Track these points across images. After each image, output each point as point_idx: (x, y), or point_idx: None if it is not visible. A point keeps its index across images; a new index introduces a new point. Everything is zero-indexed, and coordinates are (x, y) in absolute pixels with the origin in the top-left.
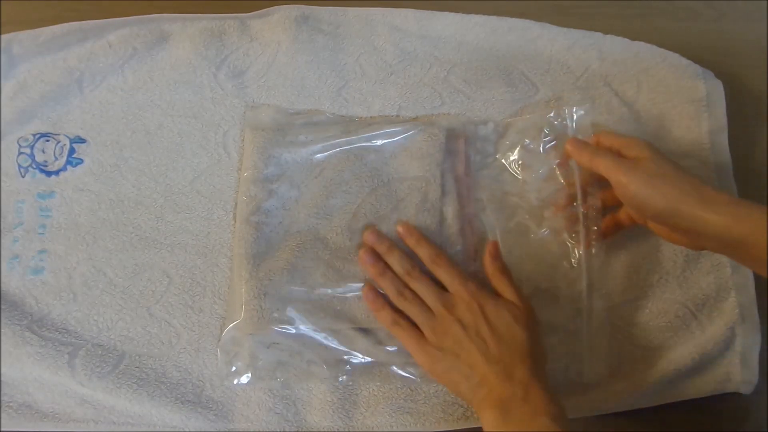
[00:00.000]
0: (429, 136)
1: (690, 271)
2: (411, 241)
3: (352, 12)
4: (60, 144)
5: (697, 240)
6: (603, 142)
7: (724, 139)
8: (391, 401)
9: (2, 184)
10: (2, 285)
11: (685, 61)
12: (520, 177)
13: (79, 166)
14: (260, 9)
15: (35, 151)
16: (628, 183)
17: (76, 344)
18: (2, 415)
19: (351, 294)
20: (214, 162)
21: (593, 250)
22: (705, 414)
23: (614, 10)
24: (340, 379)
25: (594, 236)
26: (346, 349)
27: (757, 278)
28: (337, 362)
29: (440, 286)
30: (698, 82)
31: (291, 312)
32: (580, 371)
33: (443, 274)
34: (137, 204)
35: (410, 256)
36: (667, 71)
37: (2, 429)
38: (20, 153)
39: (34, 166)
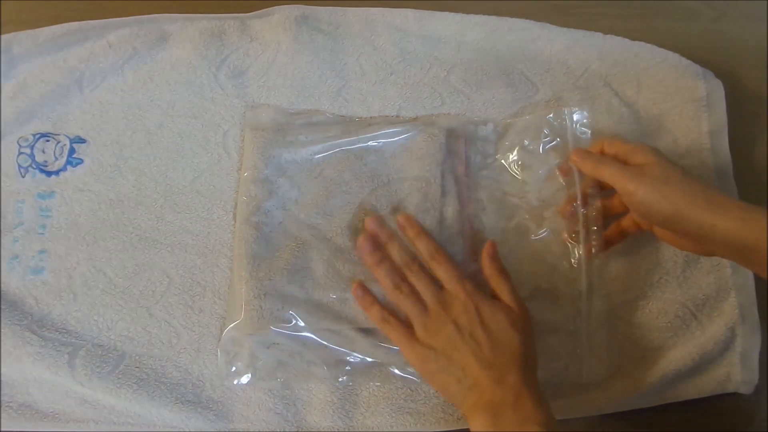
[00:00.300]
0: (429, 137)
1: (690, 271)
2: (411, 233)
3: (352, 12)
4: (60, 144)
5: (705, 245)
6: (607, 150)
7: (724, 139)
8: (391, 401)
9: (2, 184)
10: (2, 285)
11: (685, 61)
12: (519, 177)
13: (79, 166)
14: (260, 9)
15: (35, 151)
16: (635, 190)
17: (76, 344)
18: (2, 415)
19: (351, 294)
20: (214, 162)
21: (593, 250)
22: (705, 414)
23: (614, 10)
24: (340, 379)
25: (594, 236)
26: (346, 350)
27: (757, 278)
28: (337, 362)
29: (437, 284)
30: (698, 82)
31: (291, 312)
32: (580, 371)
33: (441, 271)
34: (137, 204)
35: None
36: (667, 71)
37: (2, 429)
38: (20, 153)
39: (34, 166)
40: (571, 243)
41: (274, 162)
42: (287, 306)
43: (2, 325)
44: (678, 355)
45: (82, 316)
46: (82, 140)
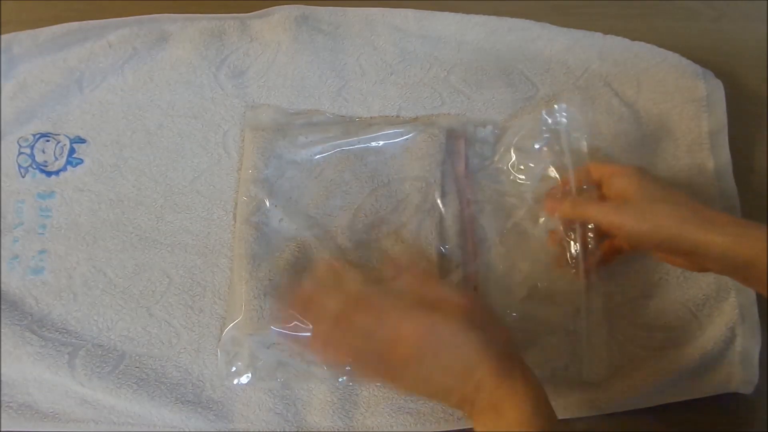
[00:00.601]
0: (429, 137)
1: (690, 271)
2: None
3: (352, 12)
4: (60, 144)
5: (700, 262)
6: (593, 173)
7: (724, 139)
8: (391, 401)
9: (2, 184)
10: (2, 285)
11: (685, 61)
12: (517, 178)
13: (79, 166)
14: (260, 9)
15: (35, 151)
16: (621, 224)
17: (76, 344)
18: (2, 415)
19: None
20: (214, 162)
21: (590, 247)
22: (705, 414)
23: (614, 10)
24: (340, 379)
25: (590, 233)
26: None
27: None
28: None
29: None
30: (698, 82)
31: (291, 312)
32: (580, 370)
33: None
34: (137, 204)
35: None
36: (667, 71)
37: (2, 429)
38: (20, 153)
39: (34, 166)
40: (567, 241)
41: (274, 162)
42: (287, 306)
43: (2, 325)
44: (678, 355)
45: (82, 316)
46: (82, 140)
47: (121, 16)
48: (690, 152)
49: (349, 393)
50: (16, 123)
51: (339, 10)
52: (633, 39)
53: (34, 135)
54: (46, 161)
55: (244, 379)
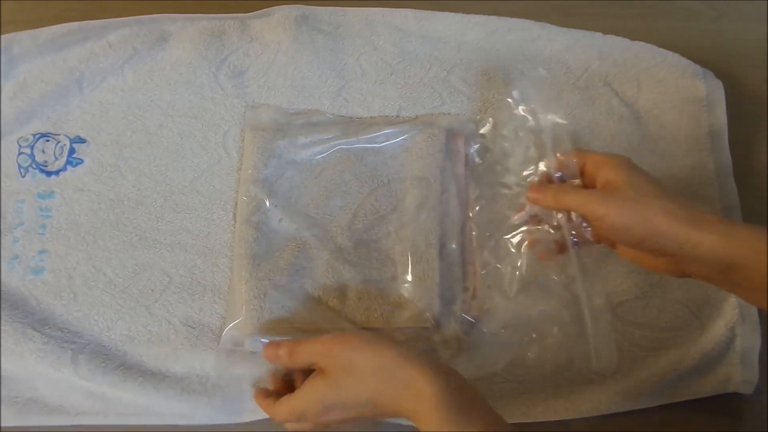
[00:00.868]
0: (429, 137)
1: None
2: None
3: (352, 12)
4: (60, 144)
5: (681, 265)
6: (578, 158)
7: (724, 139)
8: None
9: (2, 184)
10: (2, 285)
11: (685, 61)
12: (505, 167)
13: (79, 166)
14: (260, 9)
15: (35, 151)
16: (605, 214)
17: (78, 343)
18: (9, 410)
19: (350, 294)
20: (214, 162)
21: (580, 228)
22: (705, 414)
23: (614, 10)
24: None
25: (576, 219)
26: None
27: None
28: None
29: None
30: (698, 82)
31: (291, 312)
32: (588, 361)
33: None
34: (137, 204)
35: None
36: (667, 71)
37: (11, 424)
38: (20, 153)
39: (34, 166)
40: (554, 229)
41: (274, 162)
42: (287, 306)
43: (3, 323)
44: (678, 355)
45: (83, 315)
46: (82, 140)
47: (121, 16)
48: (690, 152)
49: None
50: (16, 123)
51: (339, 10)
52: (633, 39)
53: (34, 135)
54: (46, 161)
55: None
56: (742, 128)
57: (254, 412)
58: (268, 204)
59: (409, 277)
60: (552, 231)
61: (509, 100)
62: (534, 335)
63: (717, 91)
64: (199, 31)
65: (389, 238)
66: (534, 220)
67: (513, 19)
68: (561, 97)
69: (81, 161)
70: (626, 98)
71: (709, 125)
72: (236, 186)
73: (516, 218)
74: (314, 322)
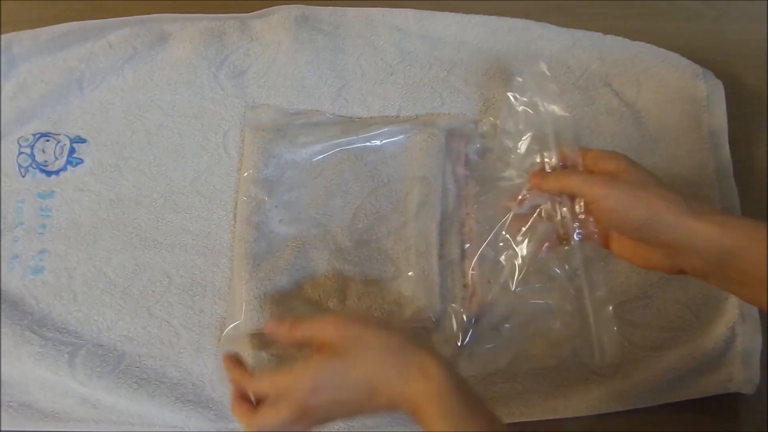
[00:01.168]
0: (429, 136)
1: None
2: None
3: (352, 12)
4: (60, 144)
5: (678, 256)
6: (577, 153)
7: (724, 139)
8: None
9: (2, 184)
10: (2, 285)
11: (685, 61)
12: (506, 161)
13: (79, 166)
14: (260, 9)
15: (35, 151)
16: (606, 195)
17: (76, 344)
18: (3, 414)
19: (351, 294)
20: (214, 162)
21: (581, 218)
22: (705, 414)
23: (614, 10)
24: None
25: (579, 204)
26: None
27: None
28: None
29: None
30: (698, 82)
31: (291, 312)
32: (591, 353)
33: None
34: (137, 204)
35: None
36: (667, 71)
37: (3, 428)
38: (20, 153)
39: (34, 166)
40: (556, 221)
41: (274, 162)
42: (287, 306)
43: (2, 325)
44: (678, 355)
45: (82, 315)
46: (82, 140)
47: (121, 16)
48: (690, 152)
49: None
50: (16, 123)
51: (339, 10)
52: (633, 39)
53: (34, 135)
54: (46, 161)
55: None
56: (742, 128)
57: None
58: (268, 204)
59: (410, 277)
60: (554, 221)
61: (510, 94)
62: (536, 331)
63: (717, 91)
64: (199, 31)
65: (389, 238)
66: (535, 211)
67: (513, 19)
68: (562, 93)
69: (81, 161)
70: (626, 98)
71: (709, 125)
72: (236, 186)
73: (517, 208)
74: None
